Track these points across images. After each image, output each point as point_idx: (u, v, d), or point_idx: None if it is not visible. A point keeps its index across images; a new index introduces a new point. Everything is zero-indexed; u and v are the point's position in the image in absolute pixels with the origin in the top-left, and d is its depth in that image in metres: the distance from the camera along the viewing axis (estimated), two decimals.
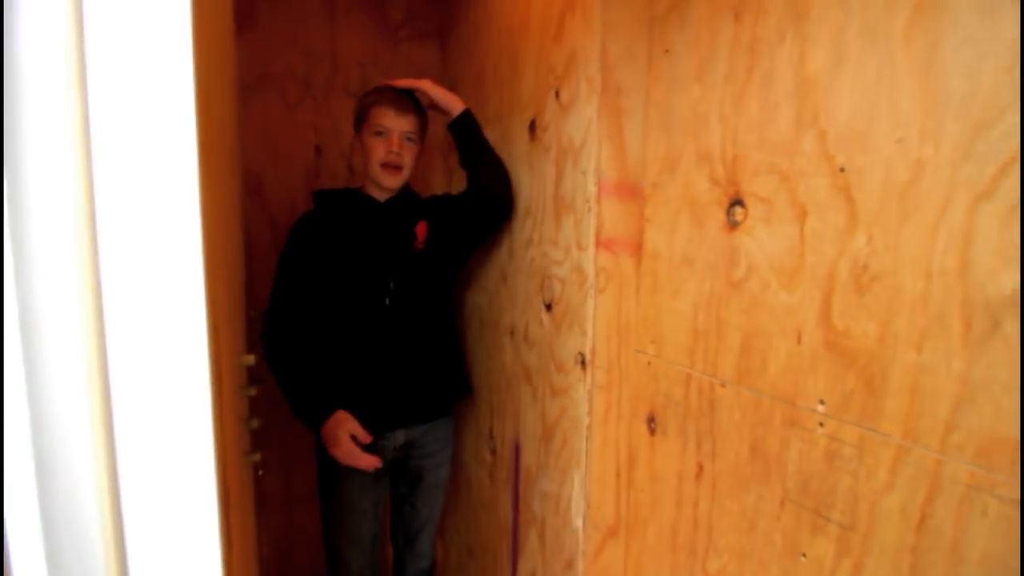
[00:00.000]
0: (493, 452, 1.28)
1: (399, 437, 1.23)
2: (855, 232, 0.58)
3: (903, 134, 0.53)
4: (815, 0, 0.61)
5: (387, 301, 1.16)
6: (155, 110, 0.34)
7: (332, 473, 1.20)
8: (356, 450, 1.11)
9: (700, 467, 0.79)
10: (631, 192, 0.90)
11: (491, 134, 1.24)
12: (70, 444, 0.34)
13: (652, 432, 0.88)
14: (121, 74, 0.33)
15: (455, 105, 1.18)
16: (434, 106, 1.20)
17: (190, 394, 0.35)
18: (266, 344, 1.17)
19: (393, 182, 1.17)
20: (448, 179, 1.64)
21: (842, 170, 0.59)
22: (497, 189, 1.15)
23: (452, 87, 1.54)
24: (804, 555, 0.64)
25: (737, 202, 0.72)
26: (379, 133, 1.14)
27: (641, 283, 0.91)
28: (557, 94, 0.96)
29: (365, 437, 1.12)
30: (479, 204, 1.17)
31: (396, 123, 1.14)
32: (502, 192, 1.16)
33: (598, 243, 0.89)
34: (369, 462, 1.13)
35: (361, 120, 1.18)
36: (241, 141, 1.43)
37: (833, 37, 0.60)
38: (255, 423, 0.92)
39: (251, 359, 0.88)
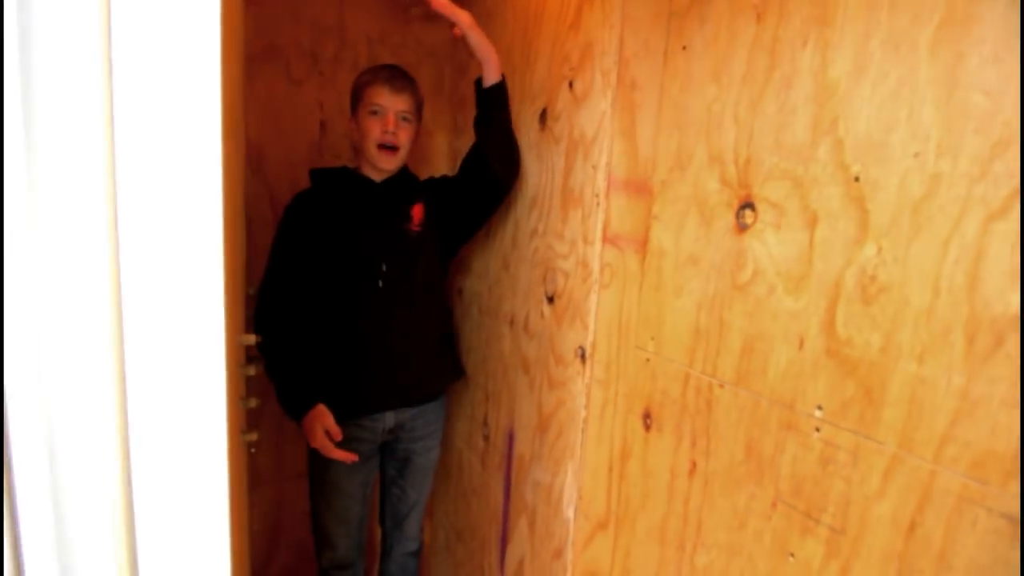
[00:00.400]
0: (486, 439, 1.29)
1: (389, 420, 1.23)
2: (865, 242, 0.58)
3: (921, 148, 0.53)
4: (840, 6, 0.61)
5: (380, 283, 1.16)
6: (181, 88, 0.33)
7: (322, 455, 1.20)
8: (330, 444, 1.12)
9: (694, 464, 0.80)
10: (640, 189, 0.89)
11: None
12: (83, 422, 0.33)
13: (647, 428, 0.89)
14: (147, 54, 0.32)
15: (493, 64, 1.05)
16: (467, 47, 1.06)
17: (206, 374, 0.35)
18: (257, 326, 1.16)
19: (390, 163, 1.16)
20: (452, 162, 1.62)
21: (857, 179, 0.59)
22: (502, 172, 1.11)
23: (463, 70, 1.52)
24: (792, 555, 0.65)
25: (747, 205, 0.72)
26: (374, 112, 1.12)
27: (645, 280, 0.91)
28: (571, 85, 0.95)
29: (337, 434, 1.12)
30: (479, 182, 1.12)
31: (391, 102, 1.12)
32: (507, 176, 1.12)
33: (605, 238, 0.89)
34: (343, 456, 1.13)
35: (356, 100, 1.16)
36: (244, 115, 1.41)
37: (857, 45, 0.59)
38: (252, 402, 0.92)
39: (250, 338, 0.88)
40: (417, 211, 1.20)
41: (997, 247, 0.48)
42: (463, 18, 1.03)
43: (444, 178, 1.30)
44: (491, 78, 1.06)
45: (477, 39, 1.04)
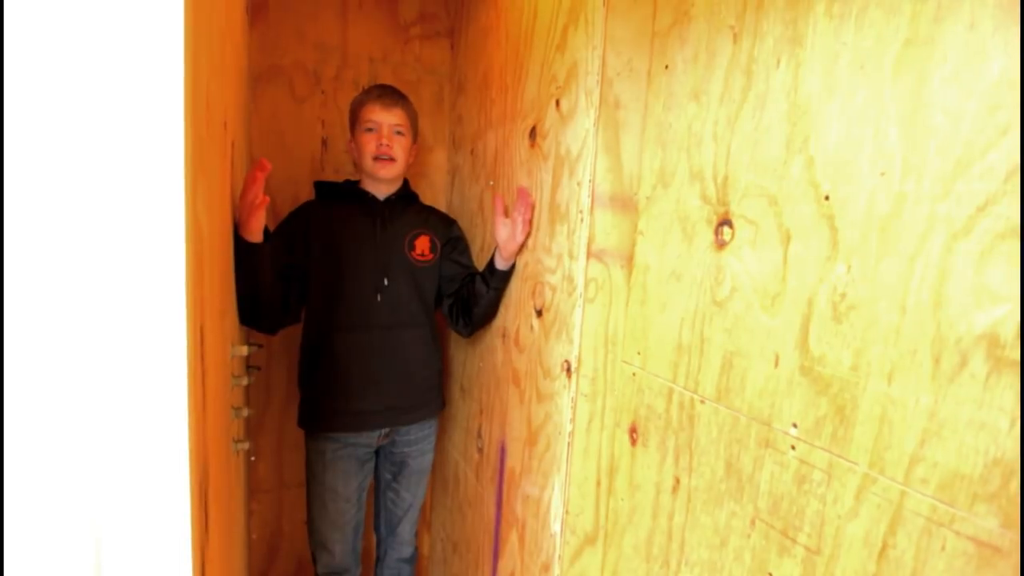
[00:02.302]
0: (480, 451, 1.29)
1: (384, 428, 1.26)
2: (836, 260, 0.58)
3: (886, 167, 0.54)
4: (811, 26, 0.62)
5: (379, 297, 1.19)
6: (137, 94, 0.35)
7: (318, 460, 1.22)
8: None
9: (677, 480, 0.80)
10: (626, 204, 0.90)
11: (493, 137, 1.25)
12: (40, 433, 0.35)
13: (634, 442, 0.89)
14: (104, 58, 0.34)
15: (511, 253, 1.12)
16: (500, 238, 1.11)
17: (163, 387, 0.37)
18: (237, 292, 1.04)
19: (387, 172, 1.21)
20: (451, 178, 1.65)
21: (827, 198, 0.59)
22: (475, 328, 1.26)
23: (460, 87, 1.55)
24: (771, 574, 0.65)
25: (726, 222, 0.73)
26: (369, 129, 1.19)
27: (631, 295, 0.91)
28: (558, 103, 0.97)
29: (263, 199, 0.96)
30: (456, 312, 1.26)
31: (384, 117, 1.19)
32: (476, 329, 1.26)
33: (589, 253, 0.89)
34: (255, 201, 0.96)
35: (354, 120, 1.23)
36: (248, 132, 1.45)
37: (826, 64, 0.60)
38: (246, 412, 0.94)
39: (244, 349, 0.90)
40: (422, 244, 1.26)
41: (961, 266, 0.48)
42: (526, 220, 1.07)
43: (455, 238, 1.32)
44: (506, 259, 1.13)
45: (519, 239, 1.08)
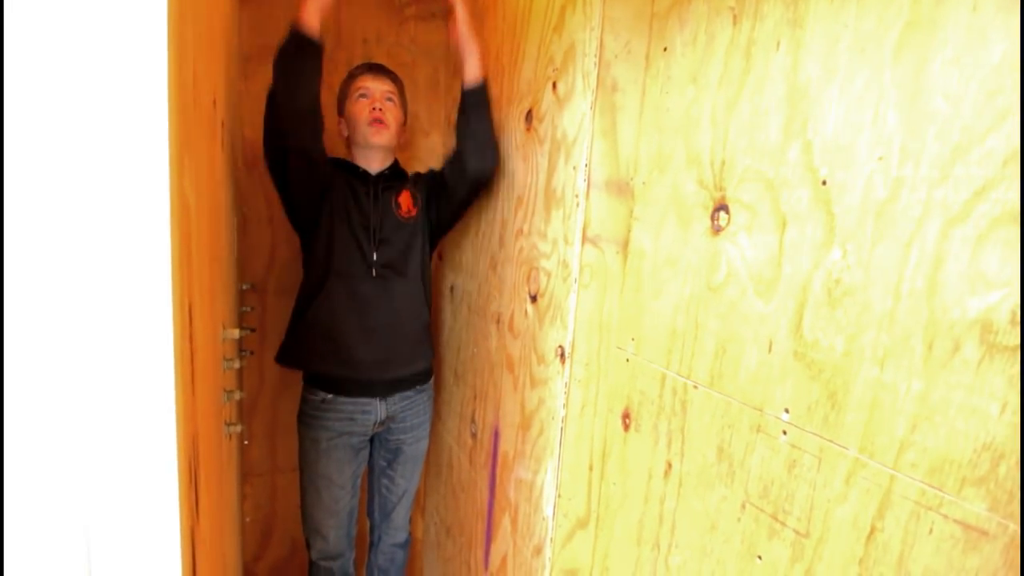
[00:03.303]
0: (474, 436, 1.30)
1: (380, 411, 1.25)
2: (831, 246, 0.58)
3: (885, 151, 0.53)
4: (812, 8, 0.61)
5: (373, 272, 1.19)
6: (118, 76, 0.34)
7: (312, 448, 1.22)
8: None
9: (669, 465, 0.80)
10: (622, 190, 0.89)
11: None
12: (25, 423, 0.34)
13: (626, 428, 0.90)
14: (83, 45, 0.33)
15: (474, 63, 1.14)
16: (455, 41, 1.15)
17: (149, 366, 0.36)
18: (277, 76, 1.06)
19: (380, 138, 1.20)
20: None
21: (824, 183, 0.59)
22: (479, 170, 1.16)
23: (458, 70, 1.53)
24: (760, 557, 0.65)
25: (722, 207, 0.72)
26: (362, 95, 1.20)
27: (626, 281, 0.91)
28: (554, 86, 0.96)
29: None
30: (458, 179, 1.19)
31: (375, 83, 1.21)
32: (483, 173, 1.17)
33: (584, 239, 0.89)
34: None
35: (344, 97, 1.24)
36: (240, 112, 1.42)
37: (826, 47, 0.59)
38: (239, 395, 0.94)
39: (235, 332, 0.89)
40: (404, 198, 1.25)
41: (956, 252, 0.48)
42: (459, 6, 1.11)
43: (431, 171, 1.34)
44: (471, 72, 1.14)
45: (467, 32, 1.12)
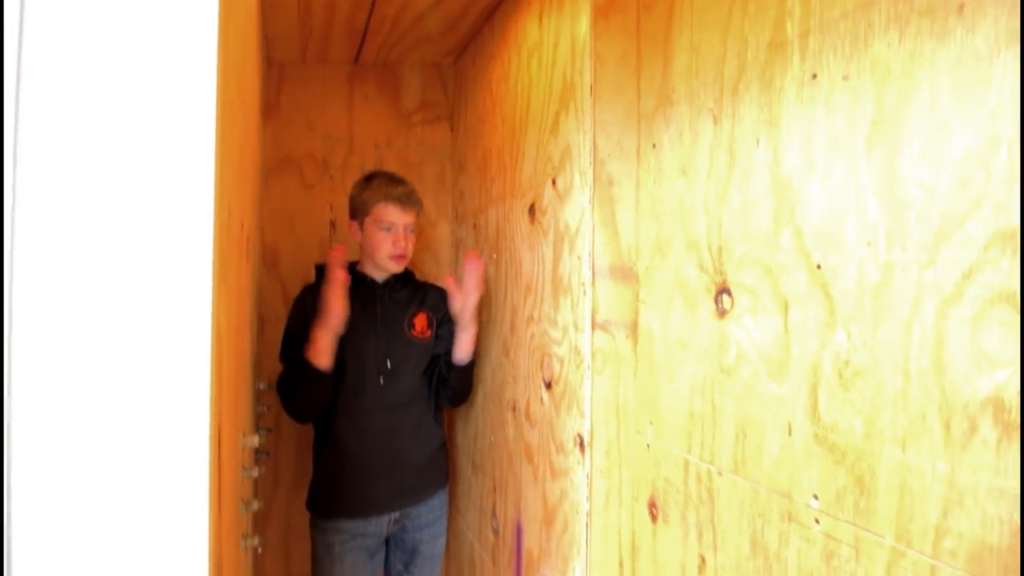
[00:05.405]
0: (495, 532, 1.25)
1: (394, 512, 1.24)
2: (835, 327, 0.59)
3: (871, 237, 0.56)
4: (784, 109, 0.66)
5: (382, 380, 1.21)
6: (172, 193, 0.38)
7: (326, 555, 1.19)
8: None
9: (703, 559, 0.77)
10: (626, 274, 0.93)
11: (495, 213, 1.30)
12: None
13: (654, 519, 0.87)
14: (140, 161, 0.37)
15: (468, 342, 1.27)
16: (453, 311, 1.26)
17: (186, 481, 0.37)
18: (280, 390, 1.23)
19: (400, 268, 1.29)
20: (454, 250, 1.70)
21: (819, 267, 0.61)
22: (448, 405, 1.38)
23: (461, 166, 1.64)
24: None
25: (724, 290, 0.75)
26: (387, 229, 1.25)
27: (638, 364, 0.92)
28: (554, 182, 1.02)
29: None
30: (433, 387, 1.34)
31: (401, 218, 1.25)
32: (454, 406, 1.39)
33: (594, 324, 0.91)
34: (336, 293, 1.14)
35: (363, 212, 1.27)
36: (260, 219, 1.52)
37: (802, 143, 0.64)
38: (256, 505, 0.93)
39: (255, 439, 0.90)
40: (420, 320, 1.30)
41: (956, 331, 0.49)
42: (474, 295, 1.23)
43: (446, 316, 1.36)
44: (464, 355, 1.27)
45: (469, 316, 1.24)
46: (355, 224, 1.31)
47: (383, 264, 1.27)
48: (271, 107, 1.61)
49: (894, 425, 0.53)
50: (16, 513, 0.36)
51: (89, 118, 0.37)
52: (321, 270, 1.33)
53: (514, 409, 1.17)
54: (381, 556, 1.27)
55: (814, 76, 0.62)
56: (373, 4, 1.28)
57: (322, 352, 1.13)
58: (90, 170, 0.37)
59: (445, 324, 1.33)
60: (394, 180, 1.30)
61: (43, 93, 0.36)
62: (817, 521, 0.61)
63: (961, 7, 0.49)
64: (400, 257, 1.27)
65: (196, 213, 0.39)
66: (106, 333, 0.37)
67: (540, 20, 1.09)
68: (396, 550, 1.30)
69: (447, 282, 1.26)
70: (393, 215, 1.24)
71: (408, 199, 1.27)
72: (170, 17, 0.38)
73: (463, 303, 1.21)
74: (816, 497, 0.61)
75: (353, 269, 1.31)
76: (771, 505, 0.66)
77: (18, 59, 0.37)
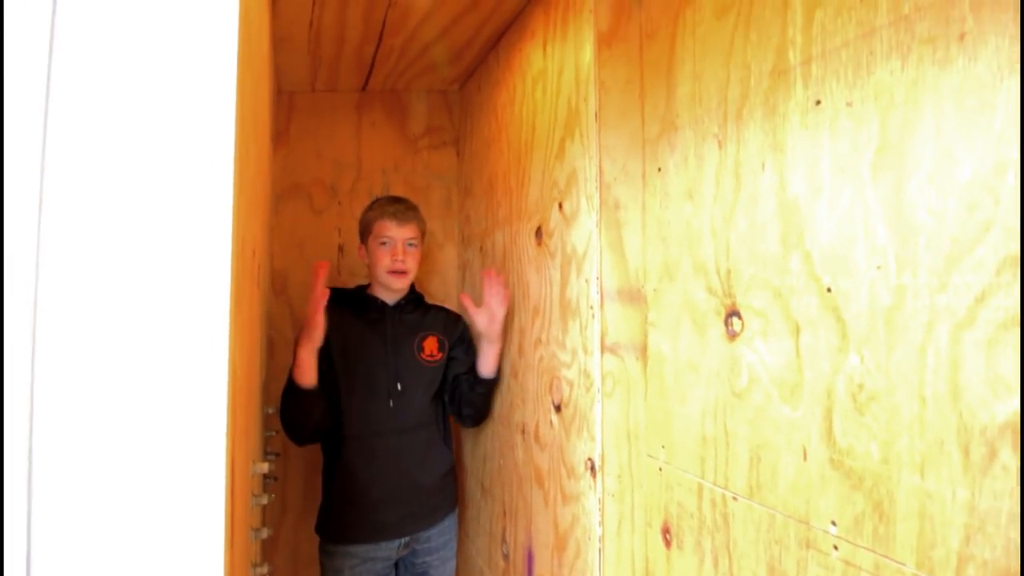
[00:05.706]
0: (506, 558, 1.23)
1: (405, 536, 1.22)
2: (848, 351, 0.59)
3: (881, 261, 0.56)
4: (789, 134, 0.67)
5: (391, 403, 1.21)
6: (192, 226, 0.39)
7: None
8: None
9: None
10: (633, 297, 0.93)
11: (501, 236, 1.31)
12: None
13: (668, 545, 0.85)
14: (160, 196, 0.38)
15: (494, 356, 1.27)
16: (479, 328, 1.27)
17: (202, 515, 0.38)
18: (282, 417, 1.22)
19: (400, 283, 1.29)
20: (461, 273, 1.71)
21: (829, 290, 0.61)
22: (466, 424, 1.37)
23: (467, 190, 1.65)
24: None
25: (734, 313, 0.75)
26: (384, 243, 1.27)
27: (649, 386, 0.92)
28: (560, 206, 1.03)
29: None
30: (453, 402, 1.34)
31: (399, 232, 1.27)
32: (477, 423, 1.37)
33: (604, 347, 0.91)
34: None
35: (367, 232, 1.32)
36: (270, 245, 1.53)
37: (808, 168, 0.64)
38: (265, 532, 0.92)
39: (264, 466, 0.89)
40: (430, 344, 1.31)
41: (971, 356, 0.49)
42: (499, 311, 1.23)
43: (461, 332, 1.38)
44: (489, 369, 1.27)
45: (496, 330, 1.23)
46: (363, 248, 1.35)
47: (384, 280, 1.28)
48: (281, 135, 1.64)
49: (911, 450, 0.53)
50: (38, 539, 0.36)
51: (121, 154, 0.38)
52: (335, 293, 1.34)
53: (523, 432, 1.17)
54: None
55: (818, 102, 0.63)
56: (381, 36, 1.32)
57: (305, 369, 1.13)
58: (118, 212, 0.38)
59: (458, 346, 1.33)
60: (394, 200, 1.35)
61: (75, 136, 0.37)
62: (836, 548, 0.60)
63: (962, 36, 0.50)
64: (399, 272, 1.27)
65: (214, 251, 0.39)
66: (127, 368, 0.37)
67: (544, 49, 1.11)
68: (406, 574, 1.29)
69: (463, 300, 1.27)
70: (390, 229, 1.27)
71: (404, 213, 1.29)
72: (194, 61, 0.40)
73: (489, 319, 1.21)
74: (834, 523, 0.60)
75: (363, 292, 1.32)
76: (788, 531, 0.65)
77: (46, 94, 0.38)
